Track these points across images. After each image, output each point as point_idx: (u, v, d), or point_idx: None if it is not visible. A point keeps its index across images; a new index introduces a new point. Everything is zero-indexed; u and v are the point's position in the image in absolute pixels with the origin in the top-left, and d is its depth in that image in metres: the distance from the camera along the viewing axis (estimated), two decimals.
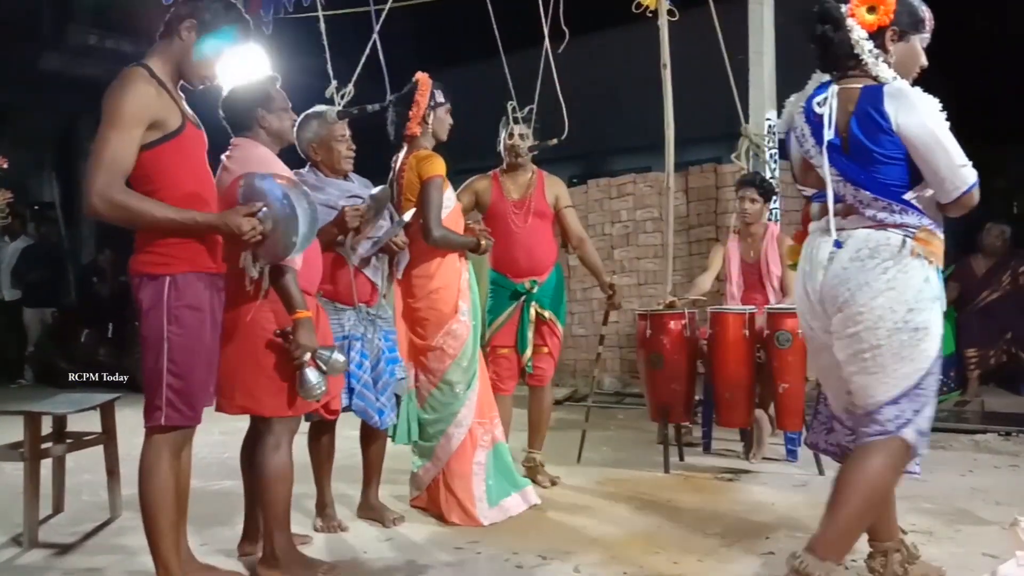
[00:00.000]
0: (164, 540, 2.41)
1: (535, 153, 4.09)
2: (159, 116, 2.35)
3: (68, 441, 3.53)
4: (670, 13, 5.37)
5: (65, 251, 10.67)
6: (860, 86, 2.29)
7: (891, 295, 2.20)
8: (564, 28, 4.92)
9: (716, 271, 4.75)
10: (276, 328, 2.64)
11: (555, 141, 4.20)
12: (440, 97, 3.52)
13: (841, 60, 2.33)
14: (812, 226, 2.45)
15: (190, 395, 2.40)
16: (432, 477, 3.49)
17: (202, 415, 2.48)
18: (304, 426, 3.14)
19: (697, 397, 4.56)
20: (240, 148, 2.75)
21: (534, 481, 3.89)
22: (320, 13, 5.28)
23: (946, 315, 2.43)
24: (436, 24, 9.73)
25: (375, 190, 3.33)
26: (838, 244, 2.31)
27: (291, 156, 2.98)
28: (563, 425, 5.46)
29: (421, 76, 3.50)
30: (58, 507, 3.62)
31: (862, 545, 2.41)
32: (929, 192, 2.26)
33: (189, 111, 2.50)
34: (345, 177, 3.33)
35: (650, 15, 5.38)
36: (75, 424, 3.64)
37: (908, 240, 2.24)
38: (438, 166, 3.39)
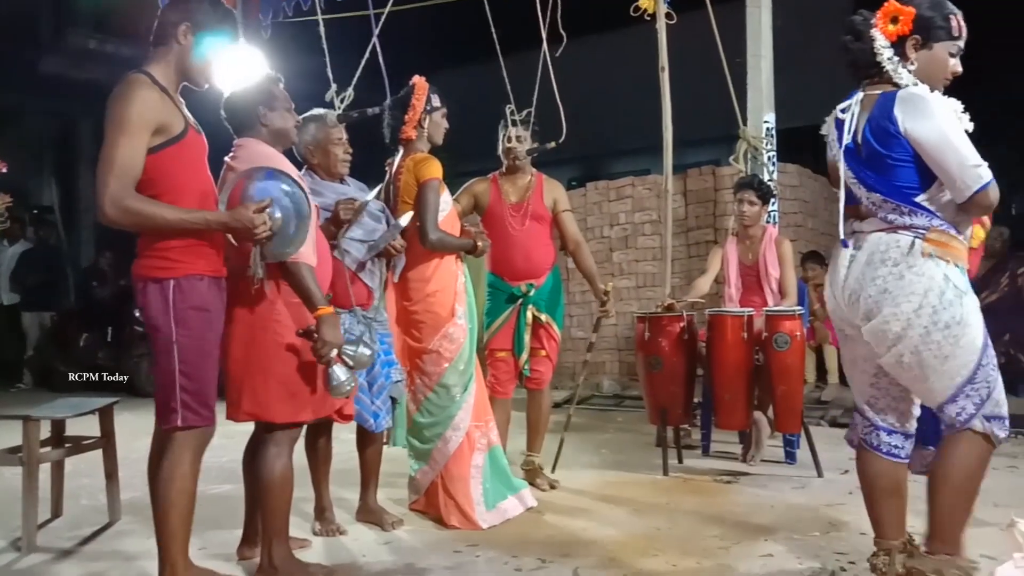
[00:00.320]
0: (175, 541, 2.42)
1: (533, 156, 4.09)
2: (164, 121, 2.37)
3: (67, 445, 3.53)
4: (668, 16, 5.39)
5: (64, 255, 10.66)
6: (880, 92, 2.36)
7: (913, 300, 2.27)
8: (562, 31, 4.93)
9: (714, 273, 4.75)
10: (290, 331, 2.62)
11: (553, 144, 4.20)
12: (436, 101, 3.52)
13: (865, 69, 2.42)
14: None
15: (203, 395, 2.43)
16: (430, 481, 3.48)
17: (215, 415, 2.49)
18: None
19: (696, 399, 4.57)
20: (244, 147, 2.73)
21: (533, 484, 3.89)
22: (320, 17, 5.29)
23: None
24: (435, 27, 9.75)
25: (370, 195, 3.33)
26: (844, 243, 2.41)
27: (289, 158, 2.98)
28: (562, 428, 5.44)
29: (417, 80, 3.51)
30: (57, 511, 3.61)
31: (862, 545, 2.40)
32: (946, 196, 2.31)
33: (190, 116, 2.51)
34: (341, 181, 3.33)
35: (648, 18, 5.40)
36: (74, 428, 3.63)
37: (917, 241, 2.29)
38: (435, 169, 3.40)
